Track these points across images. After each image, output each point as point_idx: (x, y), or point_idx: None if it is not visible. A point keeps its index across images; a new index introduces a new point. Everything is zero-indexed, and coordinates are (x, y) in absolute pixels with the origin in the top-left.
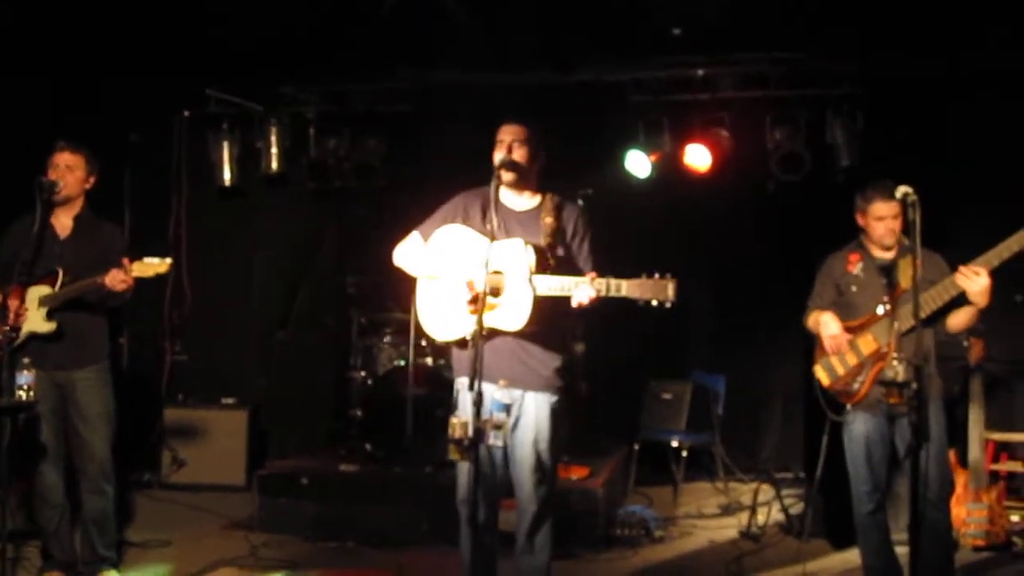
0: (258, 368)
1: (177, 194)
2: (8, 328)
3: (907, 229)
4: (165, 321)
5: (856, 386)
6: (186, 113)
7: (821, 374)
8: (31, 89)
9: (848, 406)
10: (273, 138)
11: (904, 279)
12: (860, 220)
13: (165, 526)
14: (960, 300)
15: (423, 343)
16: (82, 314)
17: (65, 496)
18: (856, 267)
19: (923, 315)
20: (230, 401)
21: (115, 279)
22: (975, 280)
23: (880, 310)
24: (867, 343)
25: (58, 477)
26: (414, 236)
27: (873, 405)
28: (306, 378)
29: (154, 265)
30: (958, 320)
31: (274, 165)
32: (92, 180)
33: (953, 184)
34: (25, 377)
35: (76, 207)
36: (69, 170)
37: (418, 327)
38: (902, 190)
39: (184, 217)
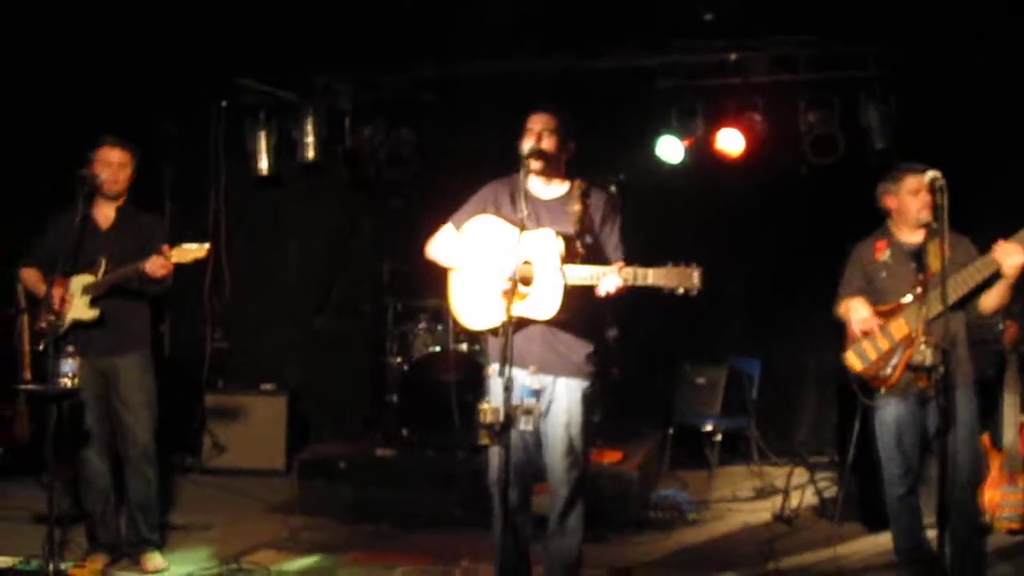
0: (296, 354)
1: (215, 184)
2: (53, 317)
3: (936, 213)
4: (206, 309)
5: (888, 371)
6: (223, 103)
7: (853, 360)
8: (66, 80)
9: (880, 390)
10: (309, 127)
11: (933, 263)
12: (890, 202)
13: (207, 509)
14: (993, 278)
15: (458, 330)
16: (124, 301)
17: (111, 481)
18: (884, 253)
19: (956, 297)
20: (269, 387)
21: (155, 265)
22: (1011, 256)
23: (909, 297)
24: (899, 328)
25: (102, 462)
26: (447, 228)
27: (905, 389)
28: (343, 364)
29: (192, 251)
30: (991, 299)
31: (310, 154)
32: (134, 176)
33: (984, 169)
34: (69, 364)
35: (120, 200)
36: (121, 167)
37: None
38: (931, 174)
39: (223, 206)
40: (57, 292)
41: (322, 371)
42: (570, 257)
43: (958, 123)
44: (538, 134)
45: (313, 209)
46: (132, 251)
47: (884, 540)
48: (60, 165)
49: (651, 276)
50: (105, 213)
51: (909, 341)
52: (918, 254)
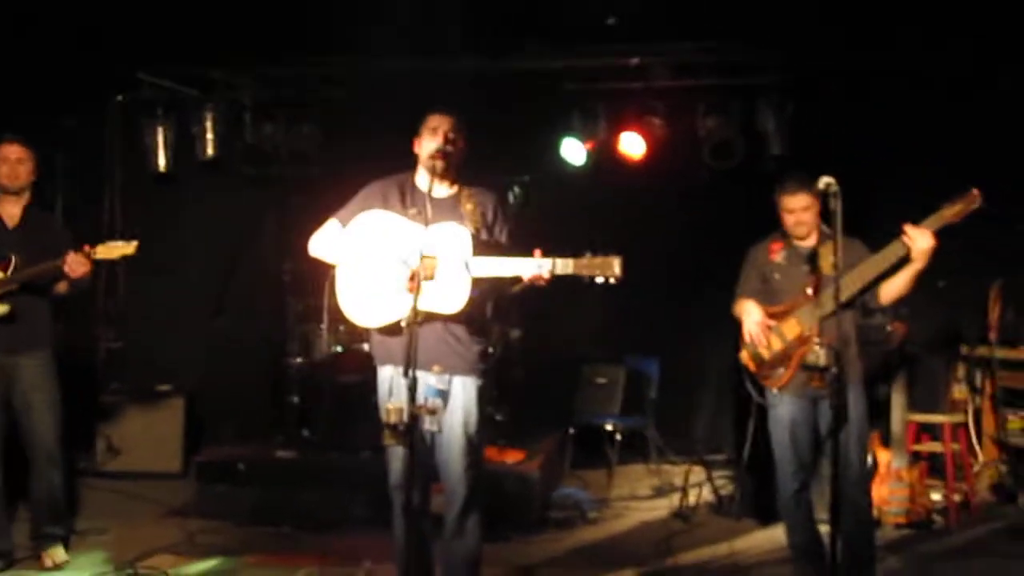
0: (194, 355)
1: (110, 179)
2: None
3: (828, 217)
4: (99, 308)
5: (781, 370)
6: (119, 98)
7: (747, 359)
8: None
9: (774, 390)
10: (208, 123)
11: (825, 265)
12: (779, 212)
13: (101, 514)
14: (898, 266)
15: (360, 330)
16: (30, 299)
17: (2, 484)
18: (779, 255)
19: (850, 294)
20: (166, 388)
21: (74, 263)
22: (922, 238)
23: (801, 298)
24: (791, 328)
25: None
26: (332, 223)
27: (799, 388)
28: (242, 365)
29: (119, 247)
30: (896, 287)
31: (209, 151)
32: (36, 173)
33: (877, 172)
34: None
35: (24, 198)
36: (20, 163)
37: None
38: (824, 181)
39: (118, 203)
40: None
41: (220, 372)
42: (475, 250)
43: (853, 127)
44: (445, 134)
45: (212, 207)
46: (40, 249)
47: (778, 534)
48: None
49: (572, 266)
50: (10, 212)
51: (802, 341)
52: (812, 256)
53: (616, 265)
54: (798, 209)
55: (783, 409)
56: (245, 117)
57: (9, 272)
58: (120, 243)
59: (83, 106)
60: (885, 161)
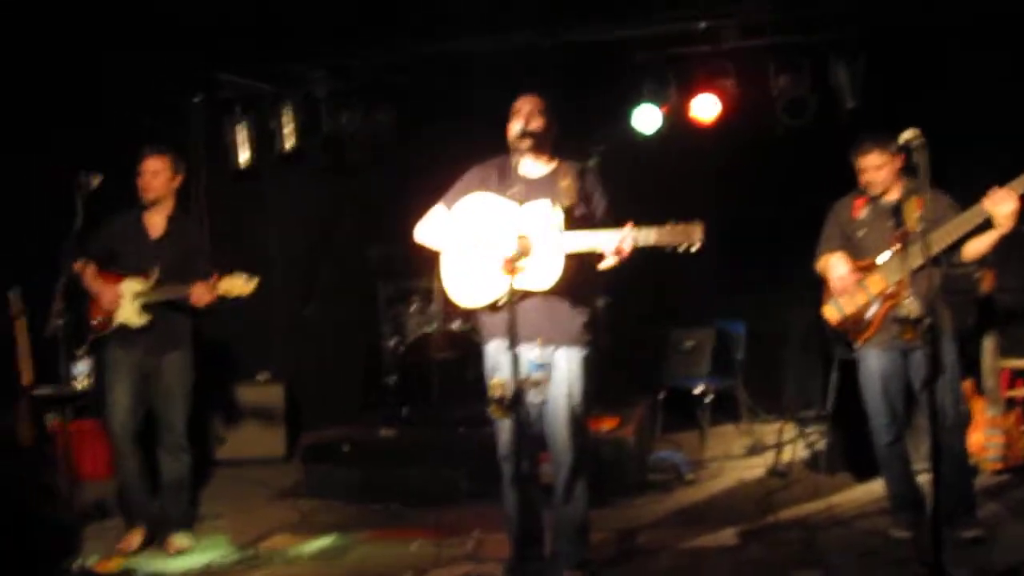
0: (288, 343)
1: (195, 179)
2: (100, 312)
3: (914, 170)
4: None
5: (865, 323)
6: (198, 97)
7: (831, 312)
8: (46, 76)
9: (858, 343)
10: (286, 117)
11: (911, 220)
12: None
13: (215, 499)
14: (980, 228)
15: (450, 309)
16: (168, 305)
17: (143, 468)
18: (862, 212)
19: (939, 249)
20: (265, 376)
21: (199, 294)
22: (1005, 203)
23: (887, 254)
24: (875, 282)
25: (131, 448)
26: (437, 209)
27: (885, 341)
28: (335, 349)
29: (239, 285)
30: (978, 247)
31: (288, 144)
32: (179, 179)
33: (955, 126)
34: (81, 367)
35: (167, 207)
36: (154, 175)
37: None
38: (907, 134)
39: (203, 201)
40: (108, 289)
41: (314, 357)
42: (567, 227)
43: (928, 80)
44: (526, 115)
45: (295, 198)
46: (179, 260)
47: (875, 487)
48: (47, 161)
49: (654, 235)
50: (154, 221)
51: (886, 295)
52: (896, 211)
53: (698, 232)
54: (871, 168)
55: (872, 362)
56: (321, 108)
57: (152, 283)
58: (242, 280)
59: (164, 107)
60: (961, 115)
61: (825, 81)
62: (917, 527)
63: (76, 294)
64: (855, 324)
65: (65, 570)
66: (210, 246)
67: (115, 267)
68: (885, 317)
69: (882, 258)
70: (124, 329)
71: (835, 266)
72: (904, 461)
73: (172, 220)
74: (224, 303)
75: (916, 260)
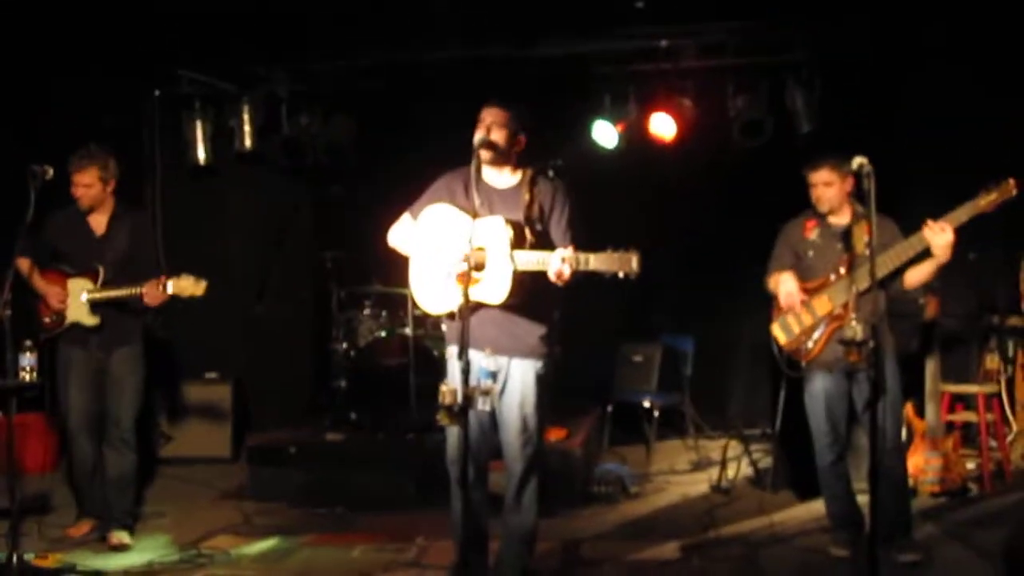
0: (238, 343)
1: (151, 173)
2: (55, 315)
3: (862, 196)
4: None
5: (810, 344)
6: (157, 93)
7: (778, 333)
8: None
9: (803, 363)
10: (246, 116)
11: (859, 243)
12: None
13: (158, 498)
14: (921, 256)
15: (402, 315)
16: (120, 304)
17: (96, 459)
18: (813, 233)
19: (880, 275)
20: (213, 375)
21: (151, 296)
22: (941, 235)
23: (833, 276)
24: (822, 304)
25: (89, 442)
26: (405, 217)
27: (830, 363)
28: (284, 351)
29: (190, 286)
30: (918, 275)
31: (247, 143)
32: (112, 182)
33: (907, 150)
34: (27, 359)
35: (107, 208)
36: (86, 188)
37: (408, 300)
38: (857, 161)
39: (159, 196)
40: (54, 290)
41: (264, 359)
42: (519, 243)
43: (882, 105)
44: (488, 126)
45: (251, 198)
46: (124, 257)
47: (817, 507)
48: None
49: (592, 261)
50: (98, 220)
51: (832, 317)
52: (845, 234)
53: (634, 261)
54: (820, 184)
55: (817, 384)
56: (281, 110)
57: (99, 284)
58: (191, 281)
59: (122, 102)
60: (915, 139)
61: (782, 104)
62: (856, 546)
63: (22, 286)
64: (800, 345)
65: (3, 564)
66: (159, 240)
67: (60, 265)
68: (830, 339)
69: (830, 279)
70: (76, 327)
71: (784, 282)
72: (845, 481)
73: (115, 218)
74: (177, 302)
75: (862, 283)
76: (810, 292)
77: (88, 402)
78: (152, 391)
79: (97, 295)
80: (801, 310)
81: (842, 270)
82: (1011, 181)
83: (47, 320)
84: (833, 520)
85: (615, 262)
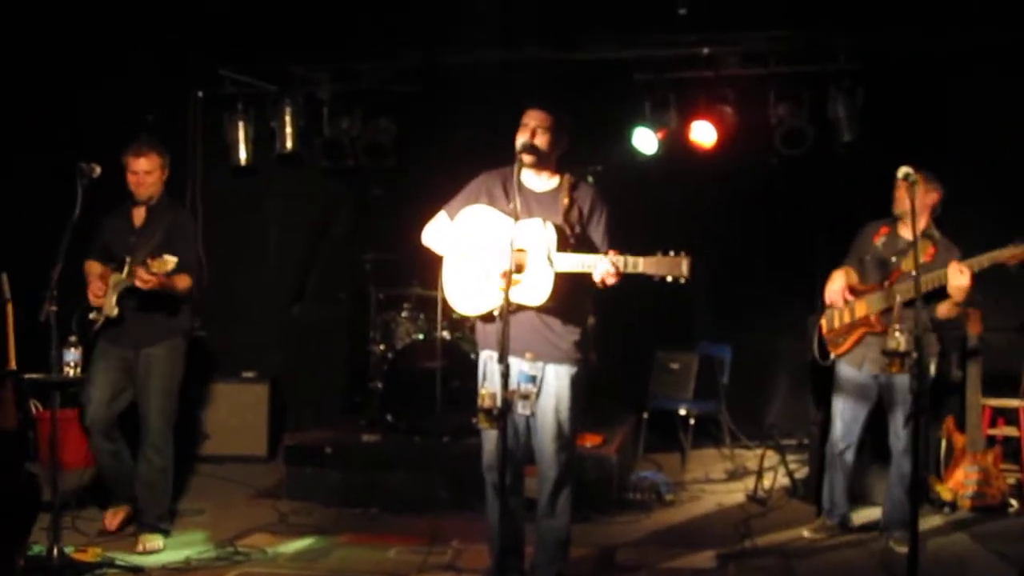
0: (275, 343)
1: (193, 174)
2: (96, 311)
3: (939, 222)
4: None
5: (840, 341)
6: (200, 94)
7: (823, 321)
8: (47, 70)
9: (832, 355)
10: (287, 118)
11: (908, 263)
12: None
13: (196, 496)
14: (944, 290)
15: (439, 318)
16: (149, 297)
17: (121, 456)
18: (880, 239)
19: (910, 297)
20: (250, 375)
21: (141, 279)
22: (959, 276)
23: (878, 285)
24: (860, 307)
25: (103, 439)
26: (441, 216)
27: (857, 361)
28: (322, 352)
29: (166, 262)
30: (941, 309)
31: (288, 144)
32: (166, 175)
33: (951, 159)
34: (72, 354)
35: (153, 201)
36: (148, 174)
37: (443, 302)
38: (903, 170)
39: (200, 196)
40: (95, 286)
41: (301, 359)
42: (560, 246)
43: (925, 115)
44: (532, 130)
45: (291, 199)
46: (157, 248)
47: (855, 517)
48: (48, 152)
49: (642, 264)
50: (138, 212)
51: (864, 322)
52: (906, 249)
53: (684, 266)
54: (900, 188)
55: (845, 375)
56: (323, 111)
57: (124, 274)
58: (167, 258)
59: (165, 102)
60: (961, 148)
61: (824, 113)
62: (835, 533)
63: (68, 282)
64: (835, 338)
65: (44, 557)
66: (198, 238)
67: (110, 262)
68: (858, 342)
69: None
70: (109, 322)
71: (833, 280)
72: (846, 473)
73: (154, 211)
74: (190, 296)
75: (905, 296)
76: (856, 294)
77: (103, 400)
78: (191, 389)
79: (120, 285)
80: (844, 308)
81: (887, 282)
82: None
83: (92, 315)
84: (826, 504)
85: (665, 266)
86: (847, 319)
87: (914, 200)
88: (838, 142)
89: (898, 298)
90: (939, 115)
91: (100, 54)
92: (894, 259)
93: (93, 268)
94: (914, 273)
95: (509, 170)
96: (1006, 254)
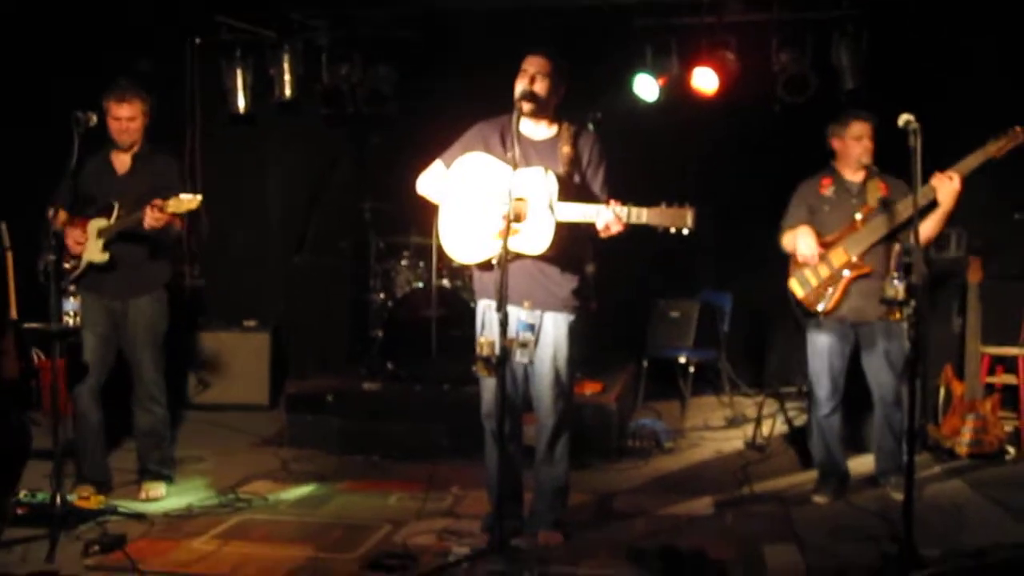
0: (276, 291)
1: (191, 122)
2: (70, 257)
3: (909, 154)
4: (184, 247)
5: (827, 295)
6: (197, 40)
7: (795, 287)
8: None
9: (820, 317)
10: (286, 65)
11: (872, 198)
12: (836, 144)
13: (197, 444)
14: (929, 208)
15: (435, 266)
16: (137, 246)
17: (101, 419)
18: (828, 189)
19: (888, 229)
20: (251, 324)
21: (150, 218)
22: (949, 184)
23: (848, 228)
24: (838, 256)
25: (94, 400)
26: (436, 165)
27: (843, 316)
28: (323, 300)
29: (186, 201)
30: (929, 226)
31: (287, 92)
32: (147, 120)
33: (957, 108)
34: (71, 303)
35: (135, 148)
36: (131, 120)
37: (438, 251)
38: (904, 118)
39: (199, 144)
40: (74, 234)
41: (302, 307)
42: (562, 195)
43: (930, 64)
44: (531, 76)
45: (290, 147)
46: (146, 194)
47: (852, 464)
48: (43, 100)
49: (646, 215)
50: (121, 159)
51: (849, 266)
52: (859, 190)
53: (689, 217)
54: (866, 136)
55: (823, 338)
56: (321, 59)
57: (112, 220)
58: (188, 197)
59: (162, 49)
60: (963, 96)
61: (827, 59)
62: (838, 496)
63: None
64: (817, 297)
65: (47, 505)
66: (189, 183)
67: (87, 209)
68: (847, 289)
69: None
70: (92, 270)
71: (802, 236)
72: (835, 434)
73: (138, 157)
74: (200, 245)
75: (877, 233)
76: (827, 246)
77: (96, 360)
78: (190, 338)
79: (109, 231)
80: (819, 263)
81: (858, 218)
82: (1018, 128)
83: (68, 265)
84: (820, 468)
85: (669, 217)
86: (826, 273)
87: (916, 145)
88: (841, 90)
89: (878, 233)
90: (944, 63)
91: (95, 2)
92: (854, 201)
93: (61, 219)
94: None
95: (506, 119)
96: (992, 149)
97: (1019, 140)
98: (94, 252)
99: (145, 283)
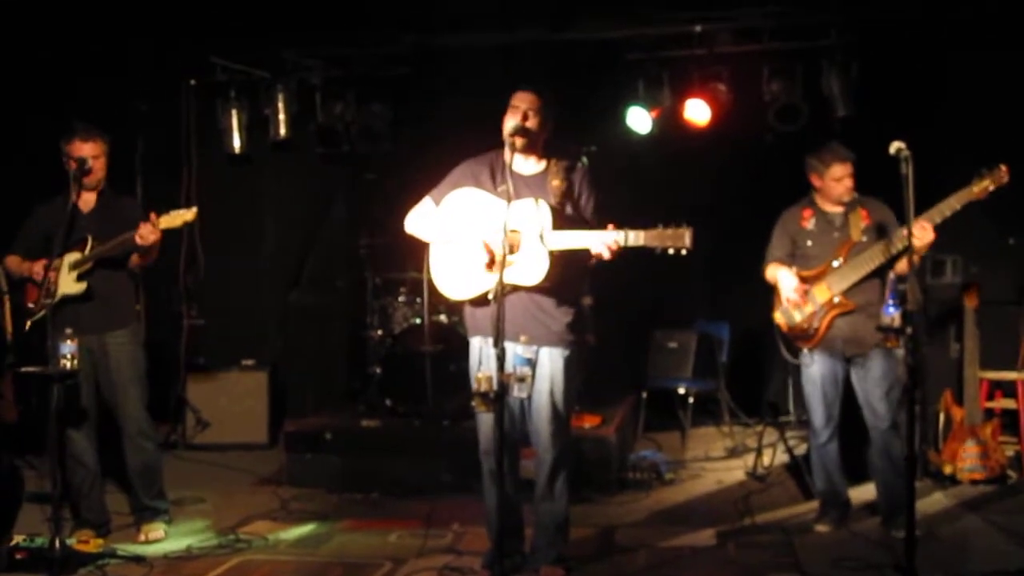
0: (273, 330)
1: (187, 162)
2: (48, 297)
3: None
4: (181, 287)
5: (812, 331)
6: (193, 81)
7: (780, 319)
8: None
9: (805, 349)
10: (280, 104)
11: (855, 232)
12: (815, 180)
13: (196, 484)
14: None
15: (428, 302)
16: (110, 278)
17: (96, 459)
18: (809, 222)
19: (872, 267)
20: (249, 363)
21: (145, 231)
22: (923, 234)
23: (831, 264)
24: (821, 292)
25: (88, 442)
26: (426, 202)
27: (830, 347)
28: (320, 338)
29: (180, 215)
30: (901, 265)
31: (282, 131)
32: (109, 160)
33: (946, 134)
34: (68, 347)
35: (101, 185)
36: (96, 159)
37: (430, 287)
38: (895, 146)
39: (195, 184)
40: (40, 263)
41: (300, 346)
42: (554, 225)
43: (920, 92)
44: (523, 113)
45: (286, 185)
46: (116, 231)
47: (854, 493)
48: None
49: (643, 237)
50: (85, 199)
51: (830, 305)
52: (842, 223)
53: (687, 237)
54: (846, 176)
55: (815, 368)
56: (315, 97)
57: (86, 252)
58: (181, 211)
59: (158, 91)
60: (957, 125)
61: (818, 89)
62: (840, 524)
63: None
64: (803, 332)
65: (46, 549)
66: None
67: (45, 254)
68: (830, 325)
69: (834, 265)
70: (66, 305)
71: (783, 279)
72: (834, 462)
73: (103, 194)
74: (196, 271)
75: (863, 270)
76: (809, 281)
77: (85, 395)
78: (189, 377)
79: (86, 261)
80: (802, 300)
81: (840, 258)
82: (1003, 167)
83: (31, 305)
84: (822, 497)
85: (667, 238)
86: (810, 309)
87: (908, 173)
88: (833, 118)
89: (864, 269)
90: (935, 90)
91: (91, 45)
92: (836, 235)
93: (15, 262)
94: (903, 247)
95: (494, 155)
96: (975, 189)
97: (1003, 181)
98: (68, 284)
99: (121, 316)
